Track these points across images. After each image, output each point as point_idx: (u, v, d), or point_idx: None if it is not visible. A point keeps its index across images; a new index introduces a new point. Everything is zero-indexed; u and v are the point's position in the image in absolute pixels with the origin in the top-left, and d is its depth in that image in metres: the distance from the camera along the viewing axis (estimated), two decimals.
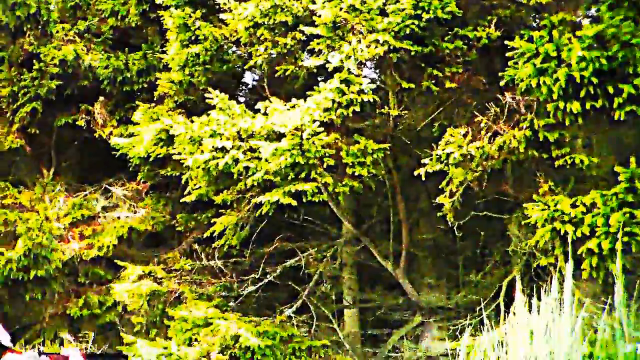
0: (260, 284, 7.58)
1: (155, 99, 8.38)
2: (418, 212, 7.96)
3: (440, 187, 6.32)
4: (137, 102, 8.32)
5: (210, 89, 6.82)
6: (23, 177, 9.89)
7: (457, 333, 7.01)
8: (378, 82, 6.84)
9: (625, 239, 5.31)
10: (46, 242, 8.26)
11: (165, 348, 6.62)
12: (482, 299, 7.02)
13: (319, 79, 7.07)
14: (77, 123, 9.26)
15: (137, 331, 7.53)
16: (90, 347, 8.48)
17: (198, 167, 6.55)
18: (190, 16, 7.48)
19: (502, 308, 4.89)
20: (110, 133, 8.76)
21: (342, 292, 7.99)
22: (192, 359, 6.52)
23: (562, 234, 5.73)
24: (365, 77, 6.39)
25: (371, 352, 7.97)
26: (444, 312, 7.84)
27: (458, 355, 6.00)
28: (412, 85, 6.55)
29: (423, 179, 6.21)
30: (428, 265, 8.19)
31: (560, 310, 4.09)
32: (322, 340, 7.05)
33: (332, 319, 7.78)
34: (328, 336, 7.46)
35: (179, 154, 6.80)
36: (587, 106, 5.63)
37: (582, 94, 5.56)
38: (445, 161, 6.13)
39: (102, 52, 9.33)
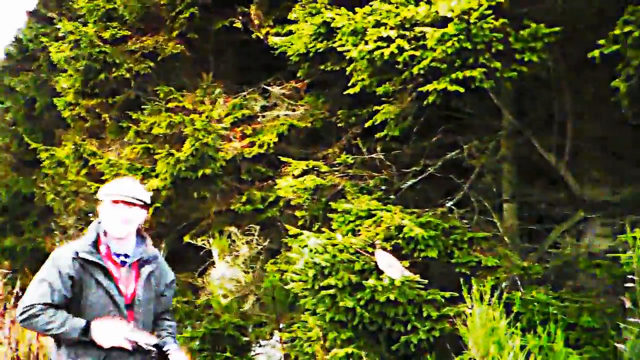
0: (421, 177, 7.57)
1: None
2: (583, 105, 7.53)
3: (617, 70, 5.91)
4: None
5: None
6: (184, 81, 10.31)
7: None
8: None
9: None
10: (211, 141, 8.65)
11: (330, 238, 6.76)
12: None
13: None
14: (234, 26, 9.51)
15: (301, 225, 7.72)
16: (256, 240, 8.91)
17: (362, 58, 6.51)
18: None
19: None
20: (267, 33, 8.90)
21: (500, 186, 7.79)
22: (356, 247, 6.67)
23: None
24: None
25: (531, 247, 7.79)
26: (608, 208, 7.50)
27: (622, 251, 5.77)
28: None
29: (597, 62, 5.83)
30: (593, 160, 7.76)
31: None
32: (483, 233, 7.00)
33: (492, 213, 7.66)
34: (488, 229, 7.35)
35: (341, 46, 6.80)
36: None
37: None
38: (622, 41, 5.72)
39: None
